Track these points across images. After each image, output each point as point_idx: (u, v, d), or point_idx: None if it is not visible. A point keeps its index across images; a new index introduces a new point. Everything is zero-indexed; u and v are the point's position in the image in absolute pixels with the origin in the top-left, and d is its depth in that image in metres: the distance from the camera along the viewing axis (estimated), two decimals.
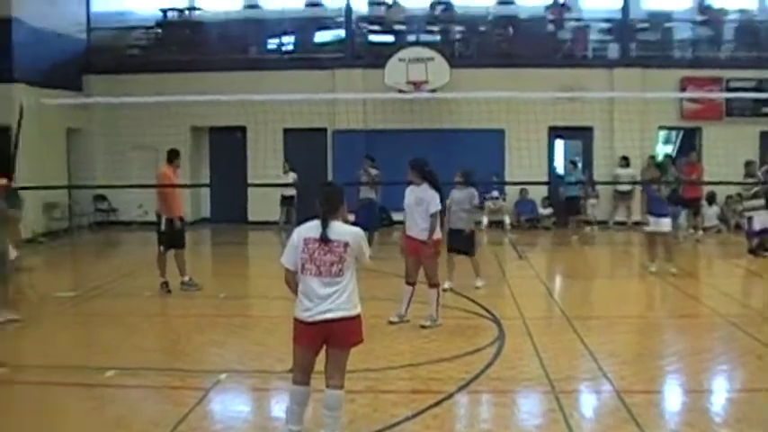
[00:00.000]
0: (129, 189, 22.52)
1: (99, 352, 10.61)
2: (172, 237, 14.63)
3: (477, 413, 8.42)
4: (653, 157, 24.85)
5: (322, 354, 7.00)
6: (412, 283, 11.93)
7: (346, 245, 6.82)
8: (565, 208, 23.90)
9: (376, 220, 19.14)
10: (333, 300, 6.77)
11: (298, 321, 6.89)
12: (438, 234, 11.96)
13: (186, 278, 14.85)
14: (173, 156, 14.93)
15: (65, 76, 23.99)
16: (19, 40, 22.00)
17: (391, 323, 11.77)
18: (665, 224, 16.18)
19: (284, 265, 6.97)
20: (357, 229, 7.02)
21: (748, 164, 19.70)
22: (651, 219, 16.23)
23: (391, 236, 21.30)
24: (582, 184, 23.71)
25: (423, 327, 11.59)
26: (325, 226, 6.83)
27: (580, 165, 24.46)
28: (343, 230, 6.89)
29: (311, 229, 6.89)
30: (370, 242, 18.42)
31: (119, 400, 8.54)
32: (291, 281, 6.95)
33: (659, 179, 16.88)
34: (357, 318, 6.93)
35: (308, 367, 7.00)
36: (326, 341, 6.89)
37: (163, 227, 14.60)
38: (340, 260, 6.79)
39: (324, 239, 6.79)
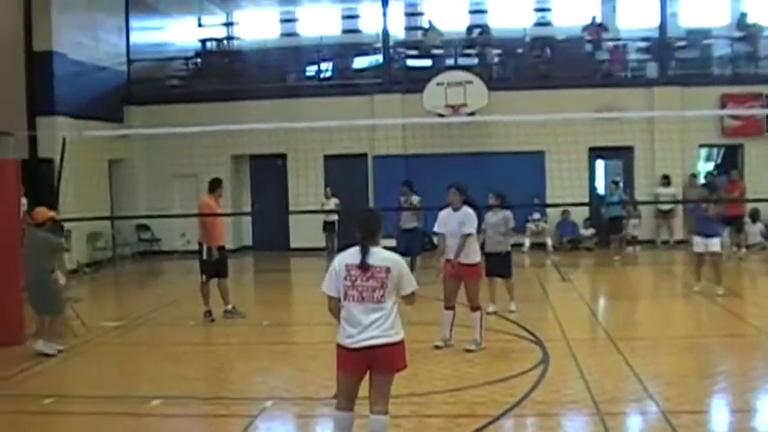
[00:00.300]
0: (171, 218, 22.73)
1: (144, 381, 10.69)
2: (214, 265, 14.71)
3: None
4: (694, 176, 24.73)
5: (366, 379, 6.98)
6: (451, 308, 11.91)
7: (388, 270, 6.80)
8: (607, 228, 23.79)
9: (419, 245, 19.09)
10: (376, 326, 6.74)
11: (341, 348, 6.88)
12: (478, 257, 11.96)
13: (230, 306, 14.92)
14: (214, 185, 15.02)
15: (106, 107, 24.27)
16: (60, 74, 22.29)
17: (437, 348, 11.74)
18: (715, 244, 15.82)
19: (326, 293, 6.97)
20: (399, 257, 7.01)
21: None
22: (699, 239, 15.90)
23: (433, 260, 21.27)
24: (624, 204, 23.59)
25: (468, 351, 11.55)
26: (364, 252, 6.84)
27: (621, 184, 24.34)
28: (383, 256, 6.90)
29: (352, 255, 6.90)
30: (412, 268, 18.48)
31: (165, 430, 8.58)
32: (334, 308, 6.94)
33: (708, 198, 16.52)
34: (400, 343, 6.90)
35: (351, 393, 6.99)
36: (370, 367, 6.86)
37: (205, 255, 14.70)
38: (382, 286, 6.78)
39: (364, 265, 6.80)
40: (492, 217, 14.47)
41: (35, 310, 12.22)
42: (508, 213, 14.60)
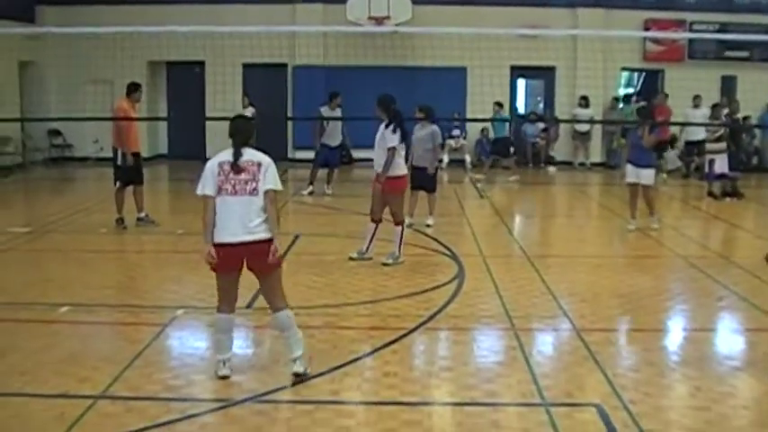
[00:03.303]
0: (84, 124, 22.18)
1: (53, 288, 10.40)
2: (129, 172, 14.36)
3: (437, 350, 8.36)
4: (617, 99, 24.98)
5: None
6: (376, 221, 11.79)
7: (259, 164, 6.93)
8: (492, 149, 23.79)
9: (338, 159, 18.96)
10: (248, 221, 6.87)
11: (216, 246, 6.96)
12: (403, 170, 11.83)
13: (143, 214, 14.64)
14: (131, 89, 14.58)
15: (16, 6, 23.25)
16: None
17: (351, 259, 11.66)
18: (647, 176, 14.62)
19: (204, 194, 6.97)
20: (269, 158, 7.09)
21: (714, 107, 19.71)
22: (631, 168, 14.74)
23: (351, 173, 21.17)
24: (510, 124, 23.60)
25: (384, 264, 11.49)
26: (237, 154, 6.93)
27: (506, 106, 24.24)
28: (254, 154, 7.02)
29: (225, 155, 7.01)
30: (329, 180, 18.39)
31: (73, 337, 8.38)
32: (210, 211, 6.97)
33: (644, 124, 14.93)
34: (272, 241, 6.98)
35: (231, 294, 7.15)
36: (247, 265, 7.02)
37: (119, 161, 14.34)
38: (254, 179, 6.89)
39: (236, 166, 6.90)
40: (419, 131, 14.30)
41: None
42: (435, 128, 14.45)
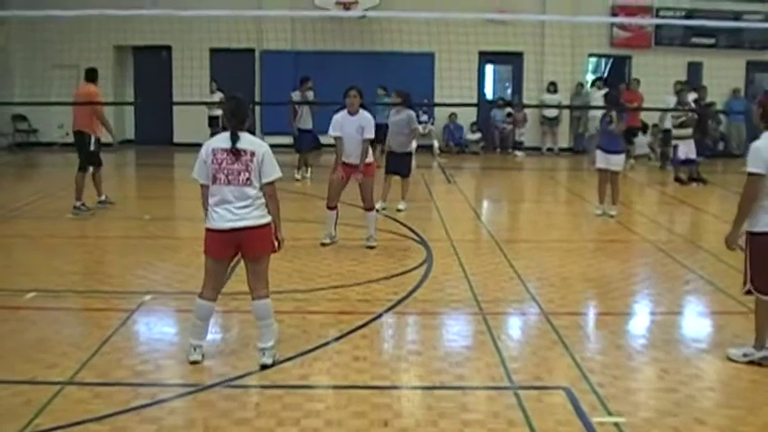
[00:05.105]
0: (49, 109, 22.02)
1: (19, 274, 10.28)
2: (96, 155, 14.33)
3: (406, 334, 8.36)
4: (581, 85, 25.07)
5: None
6: (334, 208, 11.79)
7: (253, 154, 6.83)
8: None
9: (310, 144, 19.03)
10: (242, 209, 6.81)
11: (209, 231, 6.93)
12: (371, 158, 11.86)
13: (103, 197, 14.70)
14: (95, 74, 14.57)
15: None
16: None
17: (323, 245, 11.65)
18: (616, 162, 14.65)
19: (198, 180, 7.00)
20: (264, 143, 7.02)
21: (680, 92, 19.77)
22: (600, 154, 14.74)
23: (319, 159, 21.09)
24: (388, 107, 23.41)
25: (370, 247, 11.59)
26: (234, 137, 6.83)
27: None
28: (250, 140, 6.93)
29: (220, 140, 6.93)
30: (301, 165, 18.42)
31: (40, 323, 8.30)
32: (206, 195, 6.97)
33: (610, 113, 14.98)
34: (267, 226, 6.96)
35: (218, 282, 7.11)
36: (239, 251, 6.97)
37: (92, 146, 14.31)
38: (247, 169, 6.81)
39: (234, 150, 6.80)
40: (395, 116, 14.35)
41: None
42: (411, 113, 14.54)
